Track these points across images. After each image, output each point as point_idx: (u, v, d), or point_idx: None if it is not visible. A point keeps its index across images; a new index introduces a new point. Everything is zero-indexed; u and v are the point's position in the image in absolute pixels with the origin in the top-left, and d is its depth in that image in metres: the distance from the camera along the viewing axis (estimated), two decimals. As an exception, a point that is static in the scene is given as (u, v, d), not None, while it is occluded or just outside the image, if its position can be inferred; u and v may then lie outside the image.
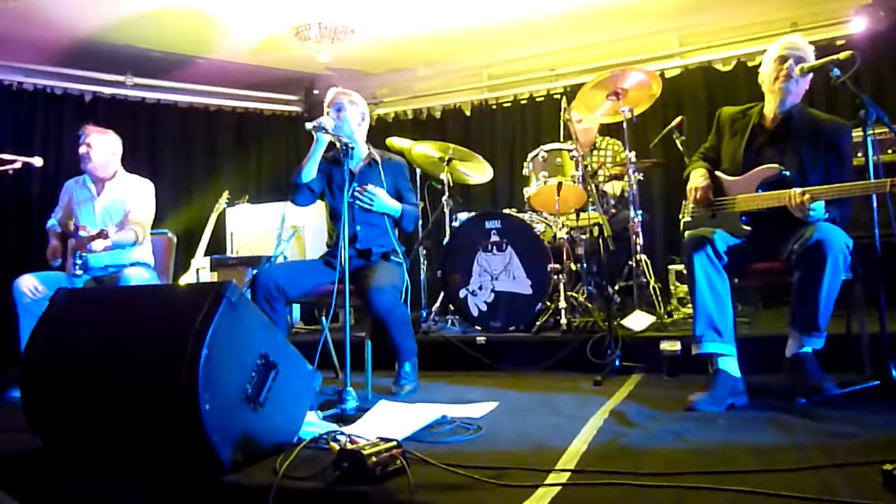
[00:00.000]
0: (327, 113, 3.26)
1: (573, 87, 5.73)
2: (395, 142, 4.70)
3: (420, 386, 3.24)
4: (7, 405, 3.26)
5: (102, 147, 3.79)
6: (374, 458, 1.76)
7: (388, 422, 2.40)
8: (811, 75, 2.77)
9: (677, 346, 3.19)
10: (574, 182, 4.02)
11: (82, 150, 3.75)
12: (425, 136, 5.39)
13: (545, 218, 4.36)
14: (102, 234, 3.43)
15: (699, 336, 2.63)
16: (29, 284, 3.45)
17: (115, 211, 3.79)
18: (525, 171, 4.30)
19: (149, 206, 3.87)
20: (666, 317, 3.90)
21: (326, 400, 2.81)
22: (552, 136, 4.69)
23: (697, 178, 2.93)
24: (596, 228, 4.31)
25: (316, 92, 6.57)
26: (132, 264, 3.72)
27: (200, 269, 5.32)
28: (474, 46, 6.07)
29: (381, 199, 3.28)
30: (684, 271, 2.80)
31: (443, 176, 4.47)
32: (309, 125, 2.99)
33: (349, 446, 1.84)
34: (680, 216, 3.08)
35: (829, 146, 2.74)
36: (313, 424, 2.34)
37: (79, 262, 3.57)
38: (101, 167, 3.79)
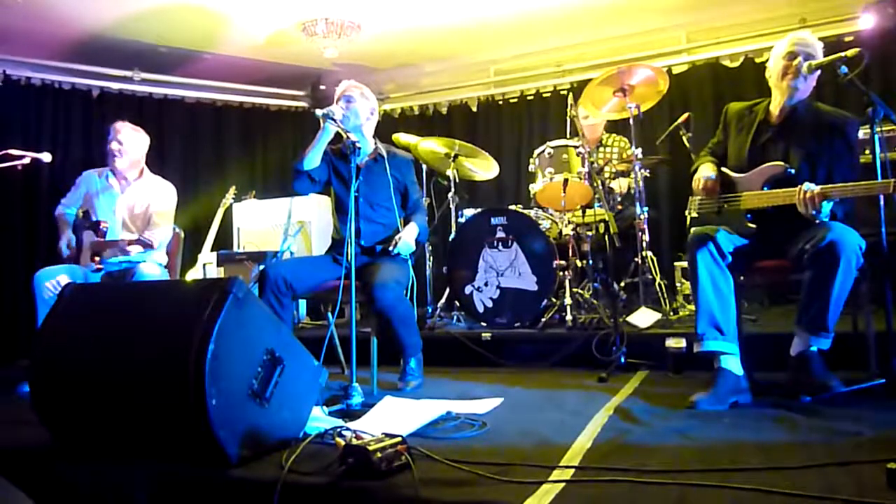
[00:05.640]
0: (337, 103, 3.27)
1: (580, 83, 5.72)
2: (401, 138, 4.70)
3: (425, 382, 3.25)
4: (18, 398, 3.29)
5: (133, 144, 3.79)
6: (379, 454, 1.77)
7: (393, 417, 2.41)
8: (819, 72, 2.76)
9: (682, 343, 3.19)
10: (580, 178, 4.02)
11: (114, 146, 3.74)
12: (431, 132, 5.37)
13: (551, 214, 4.36)
14: (143, 244, 3.46)
15: (701, 334, 2.63)
16: (50, 277, 3.46)
17: (137, 210, 3.79)
18: (531, 168, 4.29)
19: (171, 212, 3.89)
20: (671, 314, 3.90)
21: (332, 395, 2.82)
22: (558, 133, 4.69)
23: (706, 170, 2.93)
24: (602, 225, 4.31)
25: (322, 87, 6.56)
26: (144, 261, 3.74)
27: (207, 265, 5.33)
28: (481, 42, 6.06)
29: (407, 242, 3.27)
30: (688, 268, 2.79)
31: (449, 172, 4.48)
32: (318, 112, 3.01)
33: (355, 442, 1.85)
34: (686, 212, 3.08)
35: (835, 139, 2.72)
36: (319, 420, 2.35)
37: (97, 258, 3.57)
38: (130, 165, 3.79)
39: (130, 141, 3.78)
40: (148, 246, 3.51)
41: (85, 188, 3.87)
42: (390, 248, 3.22)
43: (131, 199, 3.82)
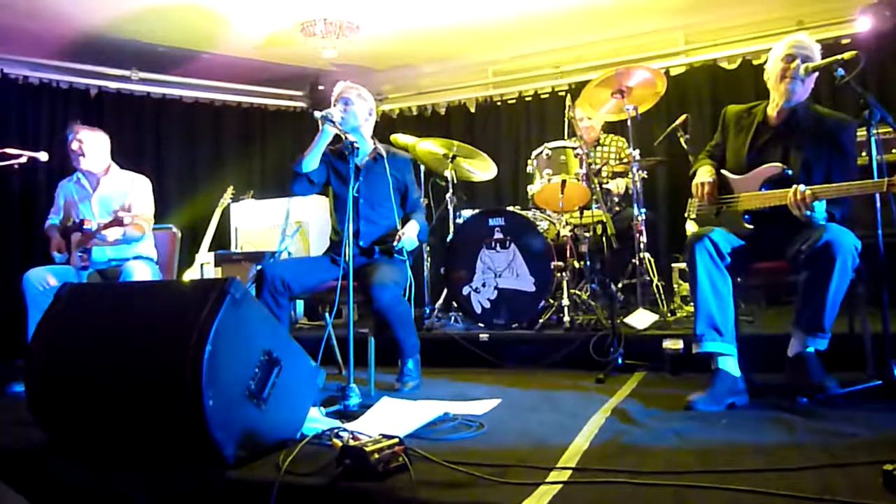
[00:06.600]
0: (334, 106, 3.27)
1: (578, 84, 5.73)
2: (399, 138, 4.70)
3: (423, 383, 3.25)
4: (10, 398, 3.28)
5: (93, 143, 3.81)
6: (376, 455, 1.77)
7: (390, 418, 2.41)
8: (816, 74, 2.76)
9: (680, 344, 3.19)
10: (578, 180, 4.02)
11: (74, 146, 3.77)
12: (430, 133, 5.37)
13: (549, 215, 4.36)
14: (117, 222, 3.45)
15: (699, 335, 2.63)
16: (40, 277, 3.47)
17: (112, 205, 3.80)
18: (529, 169, 4.30)
19: (150, 202, 3.90)
20: (669, 315, 3.90)
21: (329, 396, 2.81)
22: (556, 134, 4.69)
23: (704, 174, 2.93)
24: (599, 226, 4.32)
25: (321, 88, 6.56)
26: (135, 258, 3.73)
27: (205, 265, 5.32)
28: (479, 43, 6.06)
29: (411, 237, 3.27)
30: (687, 269, 2.80)
31: (447, 173, 4.48)
32: (317, 114, 3.01)
33: (352, 443, 1.85)
34: (686, 214, 3.08)
35: (832, 142, 2.72)
36: (316, 421, 2.35)
37: (83, 254, 3.58)
38: (94, 162, 3.80)
39: (90, 139, 3.81)
40: (121, 224, 3.49)
41: (63, 198, 3.89)
42: (394, 244, 3.21)
43: (103, 195, 3.83)
